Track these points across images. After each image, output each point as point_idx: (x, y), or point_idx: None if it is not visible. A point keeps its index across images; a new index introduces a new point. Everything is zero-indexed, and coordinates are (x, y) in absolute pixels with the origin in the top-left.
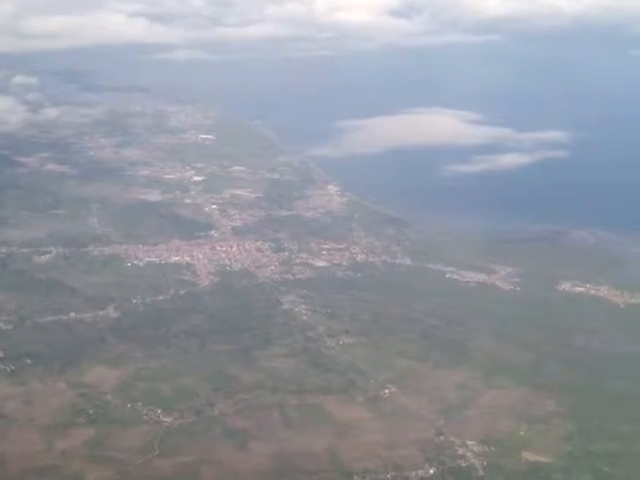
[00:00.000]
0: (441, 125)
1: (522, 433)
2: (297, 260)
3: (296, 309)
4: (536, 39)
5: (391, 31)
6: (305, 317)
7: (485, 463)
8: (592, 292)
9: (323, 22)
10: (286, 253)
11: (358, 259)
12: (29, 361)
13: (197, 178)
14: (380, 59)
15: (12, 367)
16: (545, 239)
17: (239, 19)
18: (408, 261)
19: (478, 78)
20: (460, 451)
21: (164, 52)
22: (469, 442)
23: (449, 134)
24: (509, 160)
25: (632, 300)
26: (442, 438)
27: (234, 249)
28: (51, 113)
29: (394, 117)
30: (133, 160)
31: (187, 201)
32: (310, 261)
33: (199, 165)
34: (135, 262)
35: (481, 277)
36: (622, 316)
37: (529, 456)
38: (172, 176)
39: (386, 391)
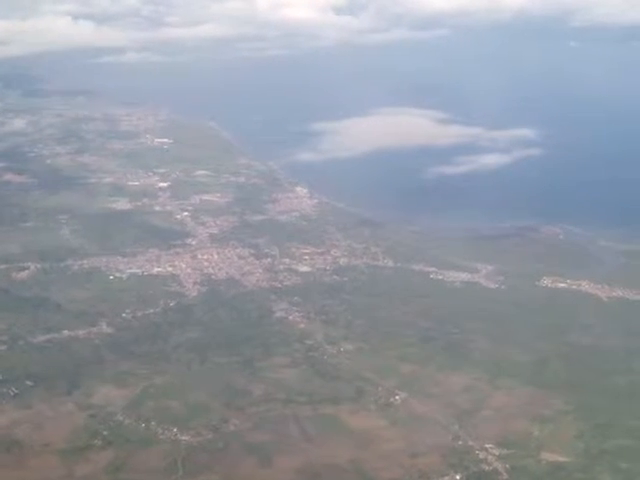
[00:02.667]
0: (413, 126)
1: (536, 433)
2: (281, 266)
3: (290, 317)
4: (482, 33)
5: (339, 28)
6: (301, 325)
7: (507, 466)
8: (574, 287)
9: (269, 20)
10: (268, 259)
11: (341, 262)
12: (30, 383)
13: (162, 184)
14: (332, 58)
15: (15, 390)
16: (517, 235)
17: (184, 19)
18: (390, 263)
19: (434, 75)
20: (481, 455)
21: (113, 55)
22: (487, 445)
23: (422, 135)
24: (483, 160)
25: (613, 294)
26: (460, 443)
27: (215, 257)
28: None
29: (364, 118)
30: (93, 167)
31: (157, 209)
32: (294, 266)
33: (161, 170)
34: (117, 274)
35: (465, 276)
36: (608, 310)
37: (548, 456)
38: (136, 183)
39: (396, 397)
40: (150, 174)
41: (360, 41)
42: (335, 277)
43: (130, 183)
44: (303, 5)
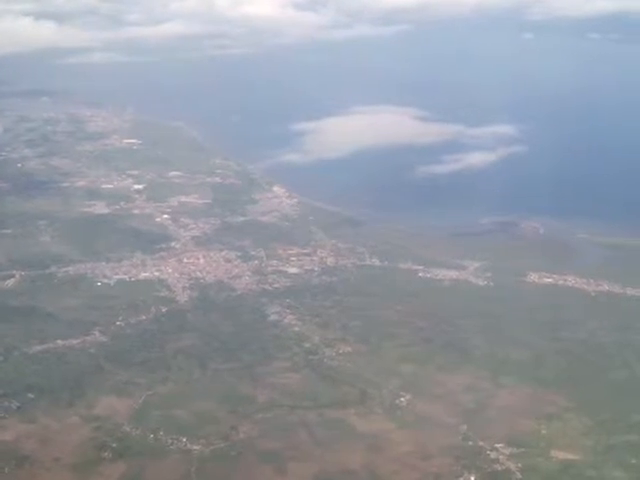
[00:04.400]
0: (391, 124)
1: (544, 431)
2: (269, 268)
3: (285, 320)
4: (443, 28)
5: (300, 25)
6: (297, 328)
7: (520, 465)
8: (561, 282)
9: (229, 17)
10: (256, 261)
11: (328, 263)
12: (31, 395)
13: (137, 186)
14: (298, 55)
15: (17, 403)
16: (498, 231)
17: (144, 17)
18: (377, 262)
19: (404, 71)
20: (492, 455)
21: (77, 56)
22: (497, 445)
23: (402, 133)
24: (465, 157)
25: (599, 288)
26: (471, 443)
27: (202, 261)
28: None
29: (340, 117)
30: (64, 170)
31: (135, 212)
32: (282, 268)
33: (134, 172)
34: (104, 281)
35: (453, 274)
36: (597, 305)
37: (558, 454)
38: (111, 186)
39: (401, 399)
40: (123, 176)
41: (323, 37)
42: (324, 278)
43: (104, 186)
44: (261, 2)
